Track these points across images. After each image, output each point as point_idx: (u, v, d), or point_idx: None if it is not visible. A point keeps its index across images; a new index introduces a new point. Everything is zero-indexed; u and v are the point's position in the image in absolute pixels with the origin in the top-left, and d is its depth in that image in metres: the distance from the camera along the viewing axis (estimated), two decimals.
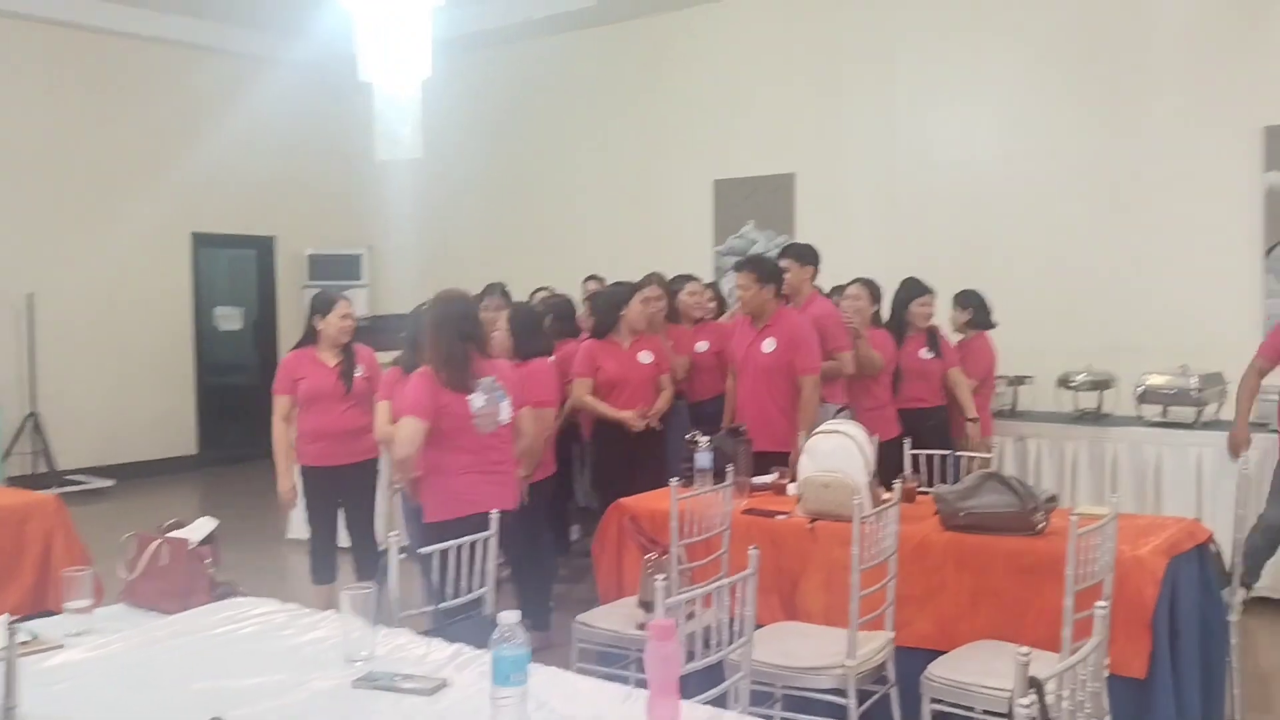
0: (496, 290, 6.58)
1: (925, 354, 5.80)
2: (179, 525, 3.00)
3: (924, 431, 5.38)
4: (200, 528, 2.95)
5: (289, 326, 11.11)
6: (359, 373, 4.93)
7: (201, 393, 10.59)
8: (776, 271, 5.23)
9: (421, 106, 6.44)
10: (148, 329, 10.08)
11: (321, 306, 4.97)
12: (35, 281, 9.21)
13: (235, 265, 11.25)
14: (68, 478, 9.11)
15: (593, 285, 7.13)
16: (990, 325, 6.17)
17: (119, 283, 9.82)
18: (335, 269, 10.99)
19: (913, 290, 5.89)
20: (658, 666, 2.04)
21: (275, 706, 2.18)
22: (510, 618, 2.01)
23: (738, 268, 5.30)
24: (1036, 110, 7.40)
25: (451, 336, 3.83)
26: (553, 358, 5.27)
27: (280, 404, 4.92)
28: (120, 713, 2.15)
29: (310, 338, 4.99)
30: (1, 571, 4.19)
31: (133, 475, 9.58)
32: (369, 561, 5.01)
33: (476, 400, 3.81)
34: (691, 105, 9.00)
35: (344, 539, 5.14)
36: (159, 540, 2.92)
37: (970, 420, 5.79)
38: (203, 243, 10.59)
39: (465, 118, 10.31)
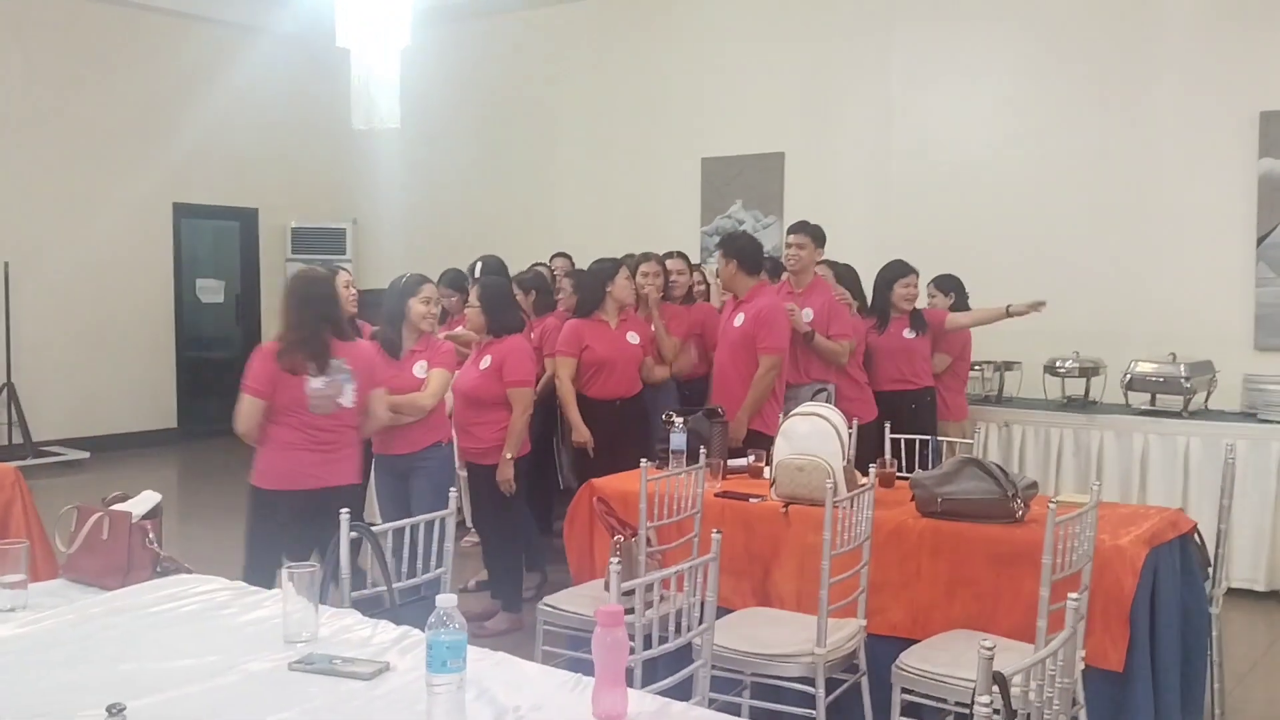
0: (493, 262, 6.37)
1: (908, 334, 5.71)
2: (123, 498, 2.89)
3: (908, 413, 5.30)
4: (144, 501, 2.83)
5: (272, 300, 10.98)
6: None
7: (181, 365, 10.46)
8: (744, 247, 5.22)
9: (403, 77, 6.31)
10: (127, 300, 9.93)
11: None
12: (12, 250, 9.07)
13: (218, 237, 11.10)
14: (43, 449, 8.99)
15: (560, 263, 6.98)
16: (967, 309, 6.10)
17: (98, 252, 9.67)
18: (319, 243, 10.86)
19: (895, 272, 5.78)
20: (604, 654, 1.94)
21: (201, 690, 2.07)
22: (448, 601, 1.90)
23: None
24: (1032, 93, 7.28)
25: (314, 319, 3.88)
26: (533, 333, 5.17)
27: None
28: (37, 692, 2.04)
29: None
30: None
31: (110, 448, 9.46)
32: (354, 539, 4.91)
33: (315, 382, 3.84)
34: (680, 81, 8.86)
35: None
36: (100, 513, 2.81)
37: (1008, 306, 5.76)
38: (184, 213, 10.44)
39: (452, 91, 10.17)
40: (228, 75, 10.24)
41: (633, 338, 5.36)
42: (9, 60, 9.14)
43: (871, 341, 5.70)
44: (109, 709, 1.44)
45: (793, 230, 5.52)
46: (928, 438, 4.70)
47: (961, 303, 6.09)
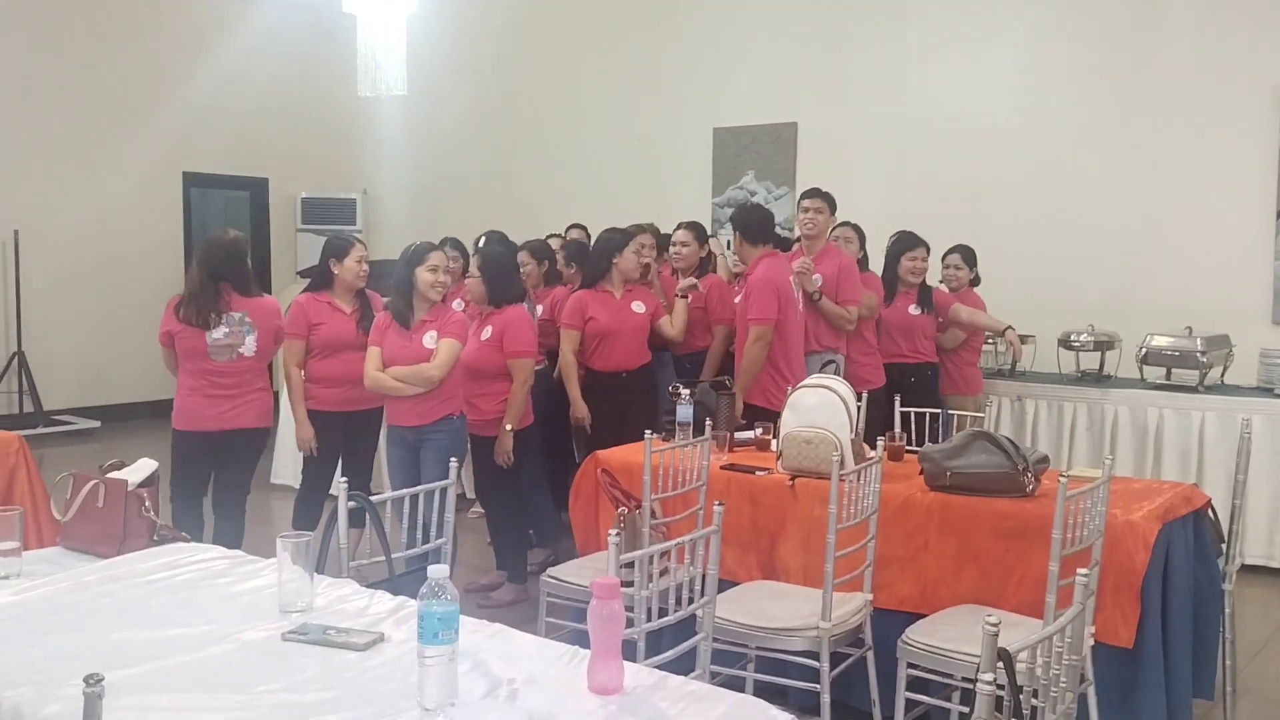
0: (495, 238, 6.29)
1: (913, 310, 5.62)
2: (120, 465, 2.86)
3: (906, 387, 5.24)
4: (141, 469, 2.80)
5: (282, 271, 10.96)
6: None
7: None
8: (747, 217, 5.19)
9: (411, 45, 6.27)
10: (137, 269, 9.89)
11: (337, 250, 4.83)
12: (21, 219, 9.04)
13: (228, 207, 11.06)
14: (54, 418, 9.01)
15: (576, 234, 6.90)
16: (977, 279, 6.03)
17: (108, 221, 9.64)
18: (329, 213, 10.80)
19: (903, 244, 5.68)
20: (600, 626, 1.91)
21: (194, 659, 2.05)
22: (439, 572, 1.87)
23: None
24: (1049, 63, 7.16)
25: (204, 276, 4.35)
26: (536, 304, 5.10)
27: (295, 348, 4.78)
28: (26, 661, 2.02)
29: (325, 282, 4.85)
30: None
31: (120, 417, 9.47)
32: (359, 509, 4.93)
33: (215, 333, 4.32)
34: (691, 49, 8.74)
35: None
36: (95, 481, 2.78)
37: (1009, 328, 5.78)
38: (194, 182, 10.39)
39: (460, 60, 10.09)
40: (235, 41, 10.17)
41: (638, 307, 5.28)
42: (15, 27, 9.08)
43: (878, 313, 5.65)
44: (86, 679, 1.40)
45: (808, 195, 5.45)
46: (937, 411, 4.64)
47: (976, 275, 6.00)
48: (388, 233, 10.48)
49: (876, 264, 6.00)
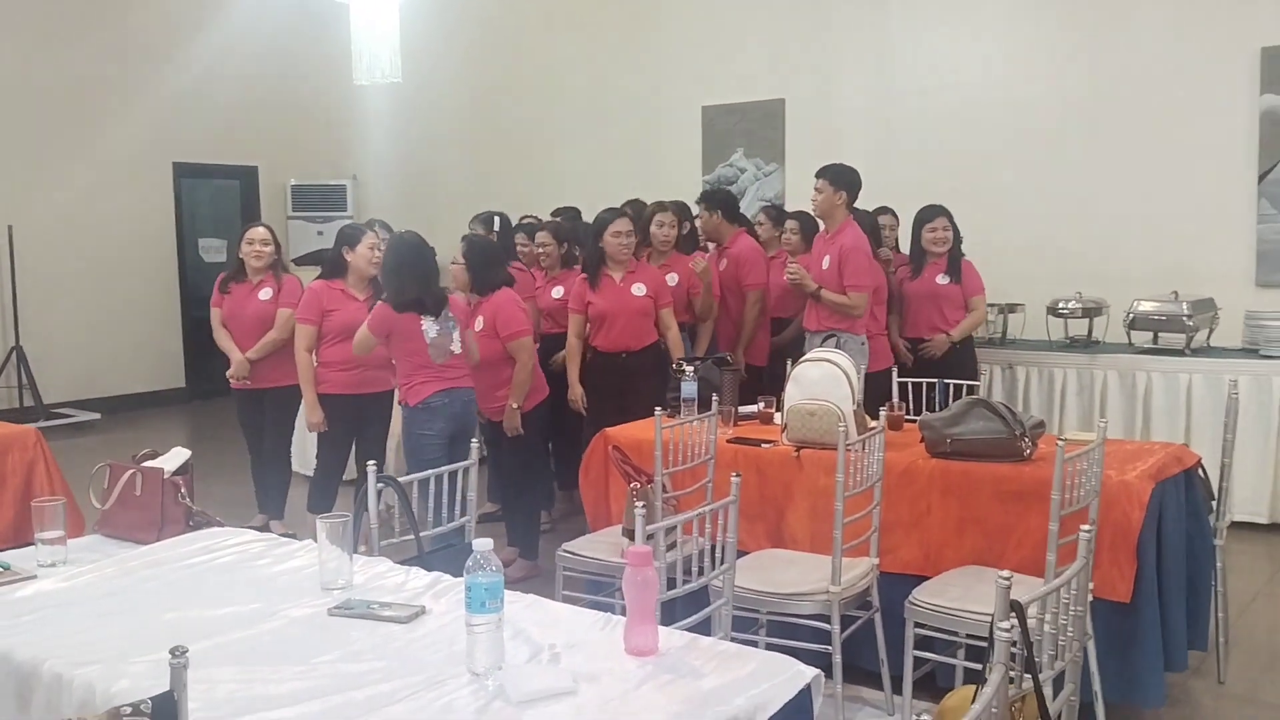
0: (490, 219, 6.36)
1: (941, 279, 5.68)
2: (153, 455, 2.95)
3: (938, 363, 5.30)
4: (174, 458, 2.90)
5: None
6: None
7: (188, 325, 10.48)
8: (725, 199, 6.11)
9: (402, 30, 6.31)
10: (131, 261, 9.94)
11: (349, 238, 4.99)
12: (13, 213, 9.06)
13: (218, 196, 11.07)
14: (54, 411, 9.06)
15: (555, 219, 6.92)
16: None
17: (100, 213, 9.67)
18: (320, 199, 10.82)
19: (923, 216, 5.76)
20: (635, 592, 2.02)
21: (248, 635, 2.16)
22: (484, 545, 1.98)
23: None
24: (1032, 33, 7.25)
25: None
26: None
27: (306, 333, 4.93)
28: (87, 642, 2.12)
29: (338, 270, 4.95)
30: None
31: (120, 408, 9.54)
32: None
33: None
34: (679, 28, 8.80)
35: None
36: (132, 470, 2.87)
37: (947, 335, 5.67)
38: (184, 172, 10.42)
39: (448, 43, 10.10)
40: (224, 29, 10.16)
41: (638, 290, 5.34)
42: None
43: (906, 288, 5.75)
44: (172, 651, 1.50)
45: (816, 176, 5.50)
46: (934, 380, 4.74)
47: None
48: (379, 218, 10.49)
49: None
